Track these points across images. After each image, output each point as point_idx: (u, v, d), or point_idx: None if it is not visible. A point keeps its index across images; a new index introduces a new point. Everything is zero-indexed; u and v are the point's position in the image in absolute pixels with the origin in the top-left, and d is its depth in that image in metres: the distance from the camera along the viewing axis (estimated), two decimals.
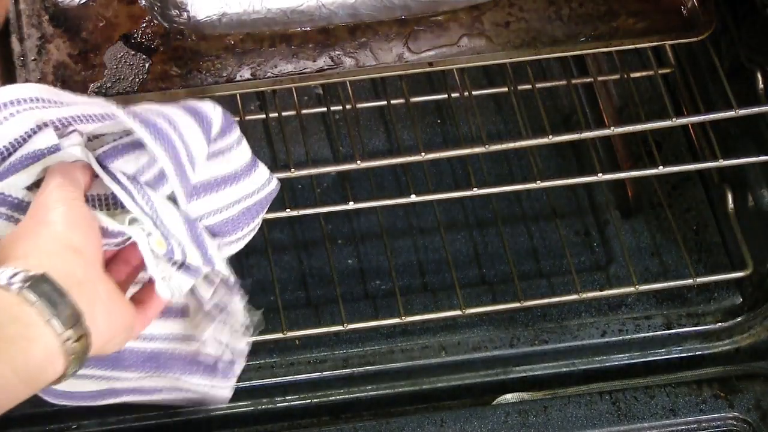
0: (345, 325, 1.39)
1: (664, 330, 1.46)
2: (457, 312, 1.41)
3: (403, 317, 1.41)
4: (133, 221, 1.01)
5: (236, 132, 1.10)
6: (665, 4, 1.37)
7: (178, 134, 1.03)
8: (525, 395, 1.40)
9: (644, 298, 1.48)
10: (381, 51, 1.32)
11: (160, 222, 1.02)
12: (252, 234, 1.14)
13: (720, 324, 1.47)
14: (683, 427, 1.37)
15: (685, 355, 1.46)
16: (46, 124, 1.03)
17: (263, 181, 1.12)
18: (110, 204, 1.02)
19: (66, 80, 1.26)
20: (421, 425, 1.35)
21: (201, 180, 1.07)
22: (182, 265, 1.04)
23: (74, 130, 1.04)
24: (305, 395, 1.40)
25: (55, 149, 1.02)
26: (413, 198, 1.39)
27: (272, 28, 1.29)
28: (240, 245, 1.13)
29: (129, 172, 1.03)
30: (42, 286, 0.91)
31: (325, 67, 1.30)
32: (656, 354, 1.46)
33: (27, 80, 1.25)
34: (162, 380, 1.19)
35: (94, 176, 1.04)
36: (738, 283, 1.49)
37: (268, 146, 1.55)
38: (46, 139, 1.02)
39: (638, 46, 1.37)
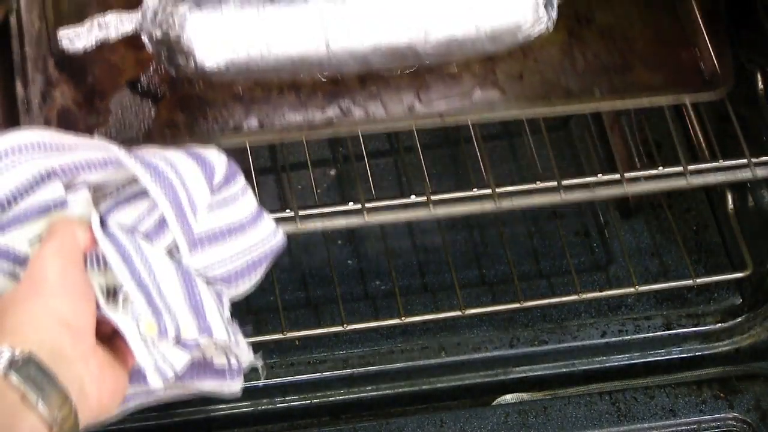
0: (345, 325, 1.39)
1: (664, 330, 1.46)
2: (457, 312, 1.41)
3: (402, 318, 1.40)
4: (125, 300, 0.99)
5: (241, 181, 1.08)
6: (681, 58, 1.37)
7: (179, 178, 1.01)
8: (525, 396, 1.40)
9: (644, 298, 1.48)
10: (391, 102, 1.30)
11: (156, 289, 1.00)
12: (254, 285, 1.12)
13: (720, 324, 1.47)
14: (683, 428, 1.38)
15: (685, 355, 1.46)
16: (49, 175, 1.01)
17: (269, 233, 1.10)
18: (108, 263, 1.00)
19: (70, 127, 1.22)
20: (421, 426, 1.35)
21: (205, 230, 1.05)
22: (175, 337, 1.02)
23: (82, 184, 1.02)
24: (305, 396, 1.40)
25: (61, 202, 1.00)
26: (413, 198, 1.39)
27: (280, 75, 1.26)
28: (239, 293, 1.11)
29: (128, 223, 1.01)
30: (28, 368, 0.89)
31: (334, 118, 1.28)
32: (656, 354, 1.46)
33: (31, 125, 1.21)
34: (172, 388, 1.19)
35: None
36: (738, 284, 1.49)
37: (268, 149, 1.54)
38: (54, 191, 1.00)
39: (655, 103, 1.36)
